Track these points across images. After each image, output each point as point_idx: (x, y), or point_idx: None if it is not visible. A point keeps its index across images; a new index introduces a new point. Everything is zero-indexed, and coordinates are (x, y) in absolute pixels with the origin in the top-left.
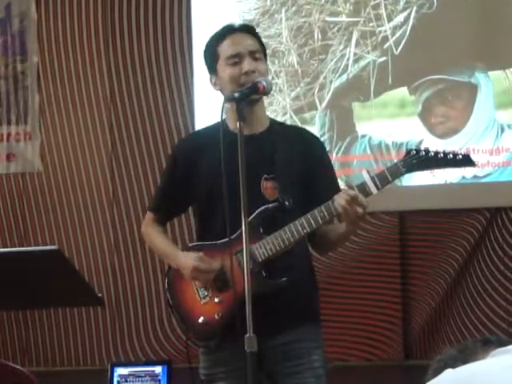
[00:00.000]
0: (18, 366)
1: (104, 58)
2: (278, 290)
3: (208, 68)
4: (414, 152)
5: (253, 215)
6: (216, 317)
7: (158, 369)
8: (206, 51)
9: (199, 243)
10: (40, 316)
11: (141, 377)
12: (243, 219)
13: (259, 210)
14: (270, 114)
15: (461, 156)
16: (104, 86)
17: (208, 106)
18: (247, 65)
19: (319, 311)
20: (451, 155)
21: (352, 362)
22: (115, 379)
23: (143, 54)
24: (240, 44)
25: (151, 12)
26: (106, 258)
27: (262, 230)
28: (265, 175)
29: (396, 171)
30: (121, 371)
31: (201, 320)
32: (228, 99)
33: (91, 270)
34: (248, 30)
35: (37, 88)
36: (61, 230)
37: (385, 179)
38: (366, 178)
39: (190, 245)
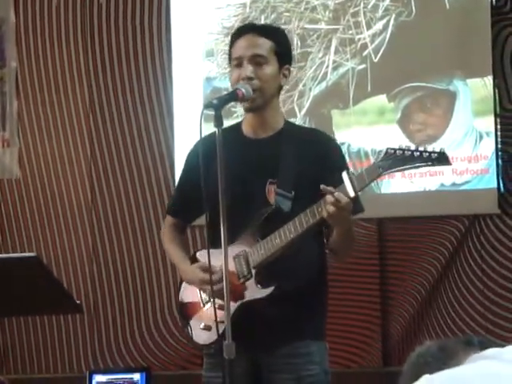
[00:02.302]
0: None
1: (83, 64)
2: (270, 297)
3: (229, 63)
4: (392, 151)
5: (252, 221)
6: (215, 323)
7: (136, 376)
8: (228, 47)
9: (202, 250)
10: (18, 323)
11: None
12: (222, 228)
13: (256, 215)
14: None
15: (436, 154)
16: (83, 93)
17: (187, 113)
18: (244, 71)
19: (319, 326)
20: (427, 153)
21: (330, 368)
22: None
23: (123, 61)
24: (244, 47)
25: (130, 18)
26: (84, 265)
27: (258, 235)
28: (270, 179)
29: (373, 172)
30: (99, 378)
31: (201, 325)
32: (207, 106)
33: (70, 277)
34: (262, 31)
35: (15, 94)
36: (39, 237)
37: (362, 181)
38: (346, 180)
39: (197, 254)
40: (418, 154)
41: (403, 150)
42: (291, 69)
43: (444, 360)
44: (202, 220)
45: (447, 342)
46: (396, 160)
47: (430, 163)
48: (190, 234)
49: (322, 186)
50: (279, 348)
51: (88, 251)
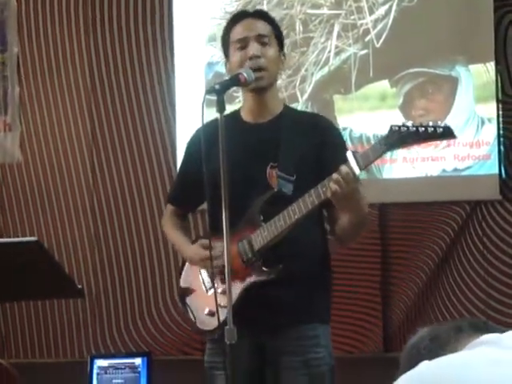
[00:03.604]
0: None
1: (85, 49)
2: (274, 278)
3: (223, 54)
4: (396, 128)
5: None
6: (219, 308)
7: (137, 360)
8: (221, 37)
9: (206, 235)
10: (19, 307)
11: (120, 369)
12: (223, 213)
13: (258, 198)
14: None
15: (441, 128)
16: (85, 77)
17: (190, 97)
18: (251, 49)
19: (325, 309)
20: (432, 128)
21: None
22: (95, 371)
23: (124, 44)
24: (248, 29)
25: (132, 2)
26: (86, 250)
27: (261, 218)
28: (271, 163)
29: (378, 149)
30: (100, 363)
31: (206, 311)
32: (209, 91)
33: (71, 262)
34: (260, 15)
35: (17, 79)
36: (40, 222)
37: (367, 158)
38: (350, 158)
39: (198, 240)
40: (423, 129)
41: (407, 127)
42: (294, 54)
43: (437, 350)
44: (204, 205)
45: (439, 330)
46: (401, 136)
47: (435, 138)
48: (192, 220)
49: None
50: (286, 330)
51: (89, 235)
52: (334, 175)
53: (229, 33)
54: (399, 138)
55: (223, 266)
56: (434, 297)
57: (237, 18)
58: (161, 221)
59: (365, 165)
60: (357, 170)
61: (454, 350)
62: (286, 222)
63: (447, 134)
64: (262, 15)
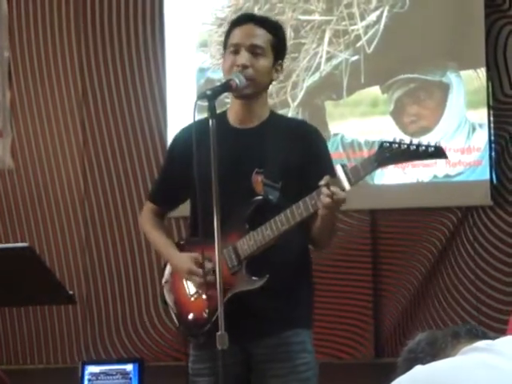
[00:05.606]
0: None
1: (76, 55)
2: (260, 288)
3: (223, 49)
4: (387, 145)
5: (239, 211)
6: (204, 314)
7: (129, 367)
8: (224, 36)
9: (190, 239)
10: (10, 313)
11: (112, 375)
12: (215, 218)
13: (244, 205)
14: None
15: (433, 148)
16: (76, 83)
17: (181, 103)
18: (240, 58)
19: (308, 315)
20: (423, 147)
21: (322, 360)
22: (86, 377)
23: (116, 51)
24: (244, 36)
25: (123, 9)
26: (77, 256)
27: (247, 226)
28: (256, 169)
29: (368, 166)
30: (92, 369)
31: (190, 316)
32: (200, 97)
33: (63, 268)
34: (262, 22)
35: (8, 84)
36: (32, 228)
37: (357, 174)
38: (340, 173)
39: (181, 242)
40: (414, 147)
41: (399, 144)
42: (284, 60)
43: (433, 355)
44: (187, 211)
45: (436, 335)
46: (392, 154)
47: (426, 157)
48: (175, 226)
49: (324, 178)
50: (273, 337)
51: (81, 242)
52: (325, 190)
53: (229, 33)
54: (390, 156)
55: (210, 282)
56: (425, 302)
57: (239, 21)
58: (138, 218)
59: (355, 180)
60: (347, 186)
61: (450, 356)
62: (274, 233)
63: (438, 153)
64: (264, 23)
